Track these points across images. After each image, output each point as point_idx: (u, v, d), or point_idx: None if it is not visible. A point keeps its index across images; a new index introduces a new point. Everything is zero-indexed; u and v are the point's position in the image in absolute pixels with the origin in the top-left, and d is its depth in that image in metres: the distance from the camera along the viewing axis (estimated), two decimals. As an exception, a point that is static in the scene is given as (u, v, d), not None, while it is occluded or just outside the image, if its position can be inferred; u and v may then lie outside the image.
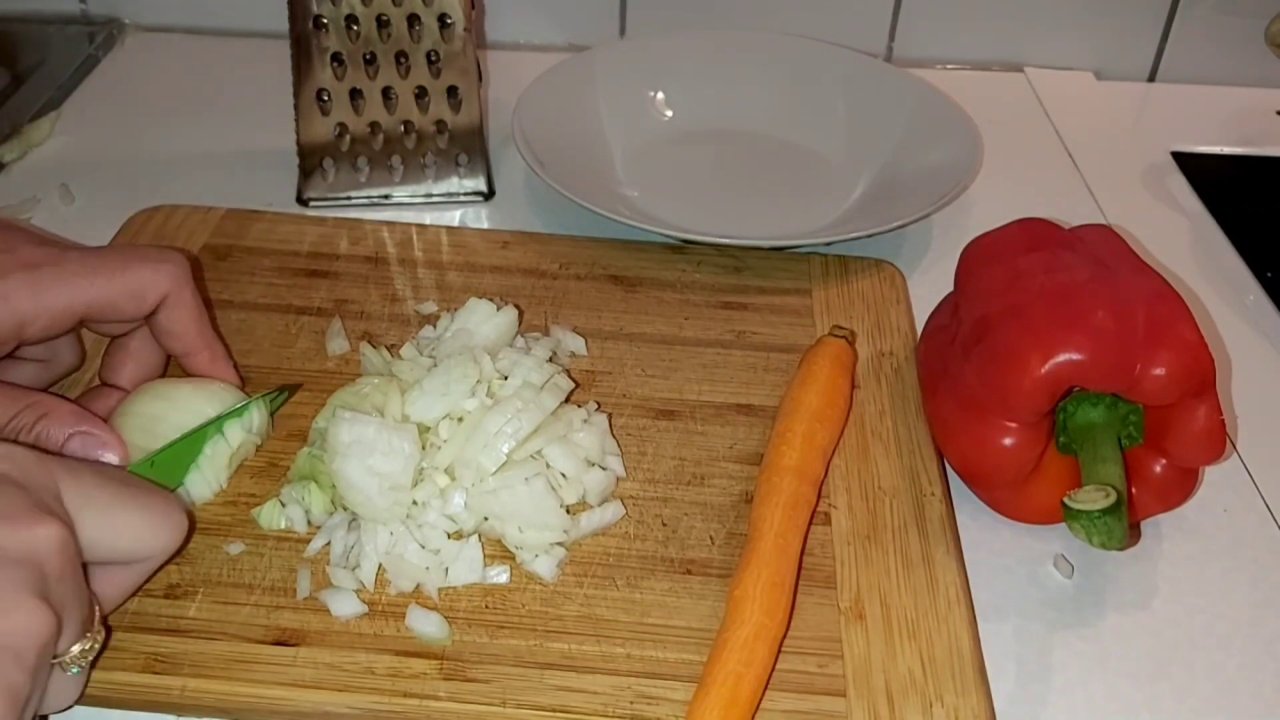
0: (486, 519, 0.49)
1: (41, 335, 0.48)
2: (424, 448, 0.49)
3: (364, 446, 0.47)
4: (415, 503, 0.48)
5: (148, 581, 0.44)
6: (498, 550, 0.49)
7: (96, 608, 0.39)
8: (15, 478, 0.36)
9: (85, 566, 0.39)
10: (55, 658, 0.37)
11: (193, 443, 0.49)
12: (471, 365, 0.51)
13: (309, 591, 0.46)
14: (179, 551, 0.43)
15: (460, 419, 0.50)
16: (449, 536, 0.48)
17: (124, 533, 0.40)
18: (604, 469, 0.51)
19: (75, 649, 0.37)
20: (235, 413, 0.51)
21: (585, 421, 0.52)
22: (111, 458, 0.47)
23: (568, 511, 0.49)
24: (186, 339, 0.51)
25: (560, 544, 0.49)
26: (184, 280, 0.50)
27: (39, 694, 0.36)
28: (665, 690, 0.44)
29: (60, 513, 0.37)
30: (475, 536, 0.48)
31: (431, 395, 0.50)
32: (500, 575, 0.47)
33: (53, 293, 0.47)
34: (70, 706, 0.40)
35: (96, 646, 0.39)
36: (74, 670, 0.38)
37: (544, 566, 0.48)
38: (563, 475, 0.50)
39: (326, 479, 0.49)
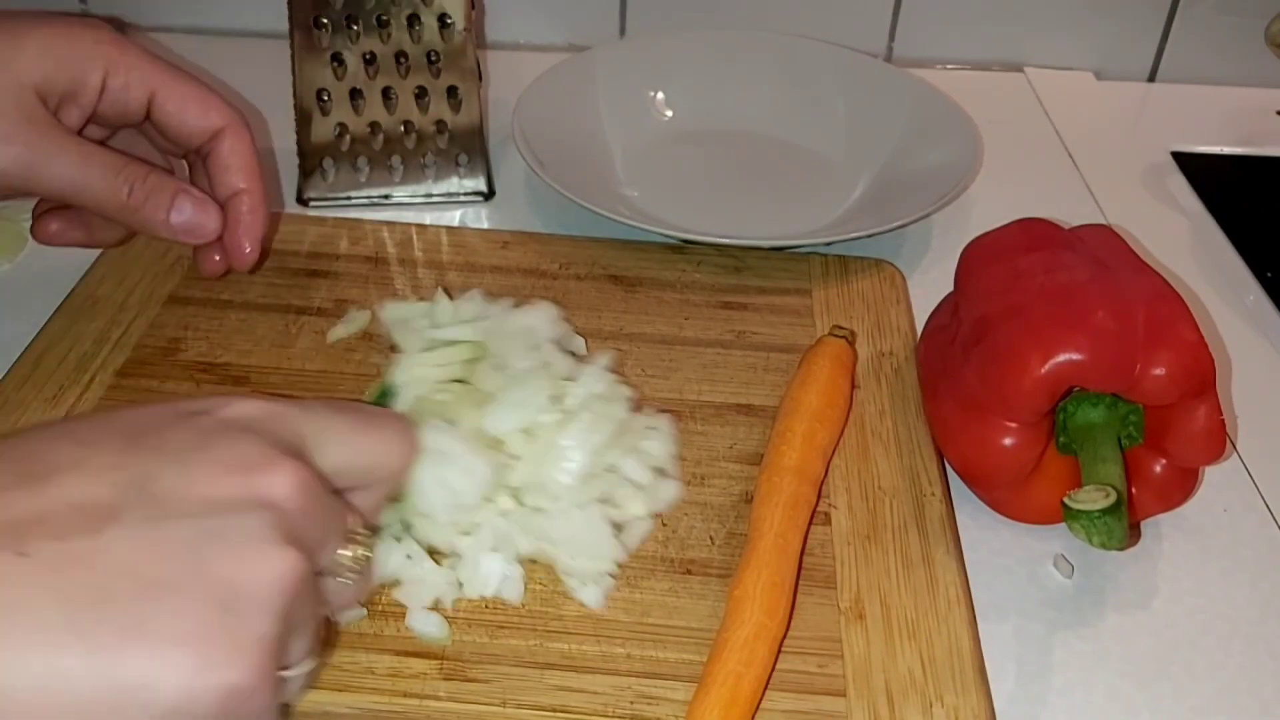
0: (538, 542, 0.48)
1: (118, 92, 0.53)
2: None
3: (444, 457, 0.46)
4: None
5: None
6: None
7: (359, 518, 0.40)
8: (253, 426, 0.37)
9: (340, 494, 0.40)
10: (324, 572, 0.38)
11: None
12: (549, 377, 0.51)
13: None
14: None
15: (531, 432, 0.50)
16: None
17: (366, 454, 0.41)
18: (674, 479, 0.51)
19: (346, 556, 0.39)
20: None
21: (652, 428, 0.52)
22: (212, 216, 0.55)
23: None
24: (241, 174, 0.56)
25: (609, 573, 0.48)
26: (244, 120, 0.57)
27: (313, 622, 0.37)
28: (665, 690, 0.44)
29: (299, 451, 0.38)
30: (493, 552, 0.47)
31: (509, 408, 0.49)
32: (513, 591, 0.47)
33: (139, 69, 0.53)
34: (362, 605, 0.45)
35: (366, 555, 0.40)
36: (348, 578, 0.39)
37: (591, 595, 0.47)
38: (635, 487, 0.50)
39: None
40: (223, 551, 0.33)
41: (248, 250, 0.56)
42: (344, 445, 0.40)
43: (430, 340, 0.54)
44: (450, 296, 0.58)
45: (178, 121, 0.55)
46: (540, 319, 0.56)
